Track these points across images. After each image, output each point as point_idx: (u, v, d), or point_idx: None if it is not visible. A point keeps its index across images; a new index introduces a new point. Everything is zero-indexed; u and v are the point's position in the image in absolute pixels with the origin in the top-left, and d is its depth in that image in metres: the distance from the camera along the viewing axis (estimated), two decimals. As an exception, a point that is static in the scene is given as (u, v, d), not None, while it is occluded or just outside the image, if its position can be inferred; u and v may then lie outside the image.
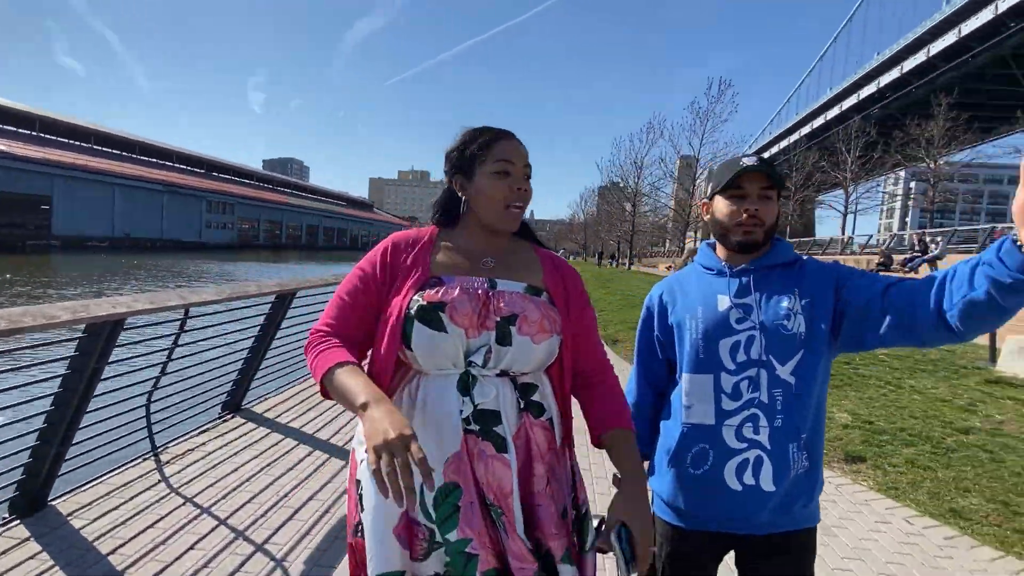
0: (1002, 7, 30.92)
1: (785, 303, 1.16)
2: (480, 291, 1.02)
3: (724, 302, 1.20)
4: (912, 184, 65.58)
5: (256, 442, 3.52)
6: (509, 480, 0.97)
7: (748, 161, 1.18)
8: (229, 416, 3.89)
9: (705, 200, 1.30)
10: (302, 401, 4.43)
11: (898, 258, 15.72)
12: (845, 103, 47.44)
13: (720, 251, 1.28)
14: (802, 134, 52.73)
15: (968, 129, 27.11)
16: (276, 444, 3.52)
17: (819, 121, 51.39)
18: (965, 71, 35.59)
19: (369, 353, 1.10)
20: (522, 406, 1.02)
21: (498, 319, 0.99)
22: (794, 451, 1.13)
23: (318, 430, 3.84)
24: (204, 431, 3.59)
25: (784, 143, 56.29)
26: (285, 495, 2.84)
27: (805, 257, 1.26)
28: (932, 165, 26.44)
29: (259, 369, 4.16)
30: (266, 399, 4.39)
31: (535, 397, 1.04)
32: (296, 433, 3.74)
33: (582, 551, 1.05)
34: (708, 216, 1.29)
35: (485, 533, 0.96)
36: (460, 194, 1.09)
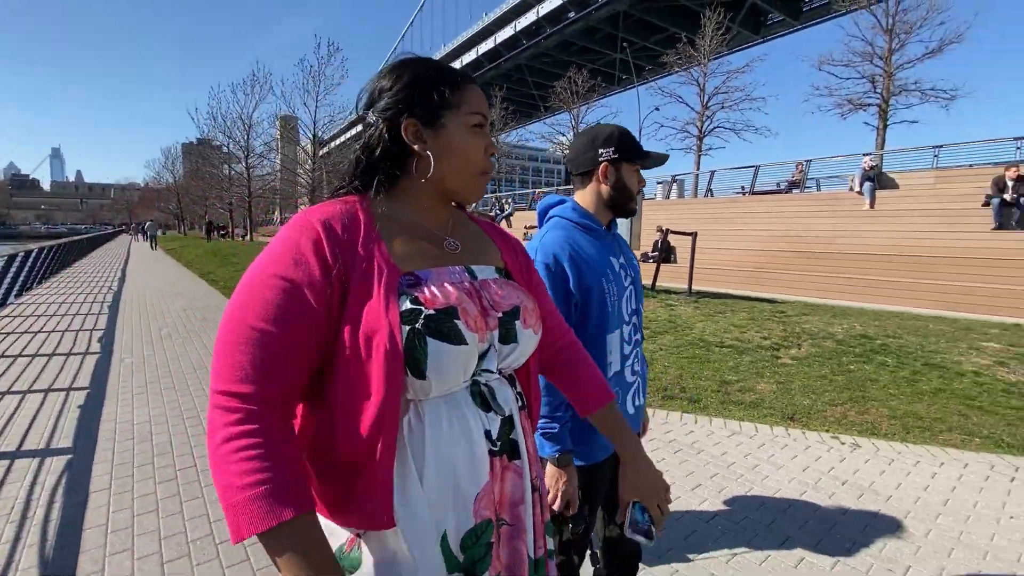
0: (520, 26, 42.14)
1: (634, 260, 1.46)
2: (467, 284, 0.81)
3: (616, 262, 1.36)
4: (493, 159, 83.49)
5: None
6: (521, 489, 0.84)
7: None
8: None
9: (607, 161, 1.31)
10: None
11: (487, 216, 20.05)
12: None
13: (594, 211, 1.35)
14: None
15: (515, 117, 36.54)
16: None
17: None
18: (502, 71, 47.15)
19: (326, 408, 0.74)
20: (520, 403, 0.88)
21: (500, 315, 0.81)
22: (644, 371, 1.46)
23: None
24: None
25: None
26: None
27: None
28: (496, 143, 34.44)
29: None
30: None
31: (519, 388, 0.91)
32: None
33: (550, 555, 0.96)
34: (609, 178, 1.32)
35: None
36: (414, 147, 0.79)
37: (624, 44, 28.86)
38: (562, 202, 1.39)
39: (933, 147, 13.17)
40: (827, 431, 3.48)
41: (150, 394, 4.19)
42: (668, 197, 17.85)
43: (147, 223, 33.48)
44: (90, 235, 25.39)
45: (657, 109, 22.43)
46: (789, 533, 2.34)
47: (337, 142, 28.81)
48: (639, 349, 1.40)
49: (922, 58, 15.61)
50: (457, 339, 0.73)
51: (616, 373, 1.31)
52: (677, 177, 17.79)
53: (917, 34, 15.45)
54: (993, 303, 8.49)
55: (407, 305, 0.72)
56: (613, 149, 1.30)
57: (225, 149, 25.78)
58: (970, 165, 12.42)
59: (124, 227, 67.90)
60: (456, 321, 0.74)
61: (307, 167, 26.33)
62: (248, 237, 28.67)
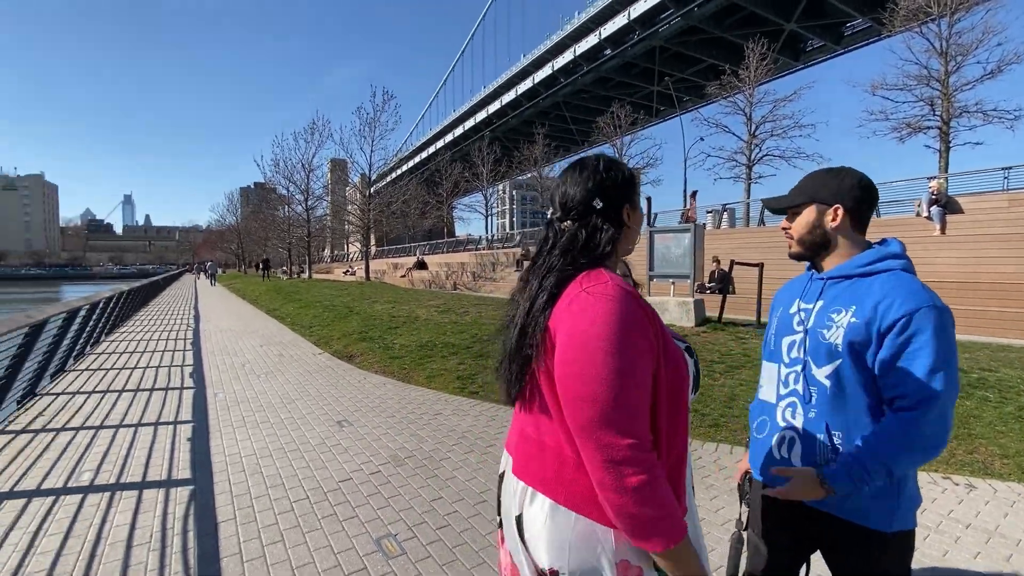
0: (557, 65, 43.47)
1: (834, 315, 1.25)
2: None
3: (795, 305, 1.37)
4: (514, 192, 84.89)
5: None
6: None
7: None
8: None
9: None
10: None
11: (533, 251, 20.33)
12: (467, 123, 57.24)
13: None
14: (442, 143, 60.57)
15: (556, 152, 37.41)
16: None
17: (449, 137, 60.28)
18: (540, 109, 48.47)
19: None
20: None
21: None
22: (822, 443, 1.24)
23: None
24: None
25: (428, 152, 63.53)
26: None
27: (889, 271, 1.25)
28: (539, 177, 35.30)
29: None
30: None
31: None
32: None
33: None
34: None
35: None
36: (628, 225, 1.07)
37: (666, 77, 29.25)
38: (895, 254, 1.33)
39: (1002, 168, 12.56)
40: (936, 471, 3.33)
41: (249, 428, 4.46)
42: (719, 226, 17.62)
43: (208, 263, 38.49)
44: (162, 275, 27.59)
45: (702, 139, 22.44)
46: (920, 579, 2.25)
47: (385, 181, 30.53)
48: (798, 403, 1.31)
49: (981, 79, 15.10)
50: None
51: (768, 403, 1.41)
52: (728, 206, 17.60)
53: (974, 56, 15.03)
54: (1092, 332, 7.87)
55: (681, 344, 1.07)
56: None
57: (285, 192, 27.89)
58: (1046, 185, 11.77)
59: (188, 267, 72.48)
60: None
61: (357, 205, 27.77)
62: (307, 275, 30.15)
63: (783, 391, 1.35)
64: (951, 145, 15.84)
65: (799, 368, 1.30)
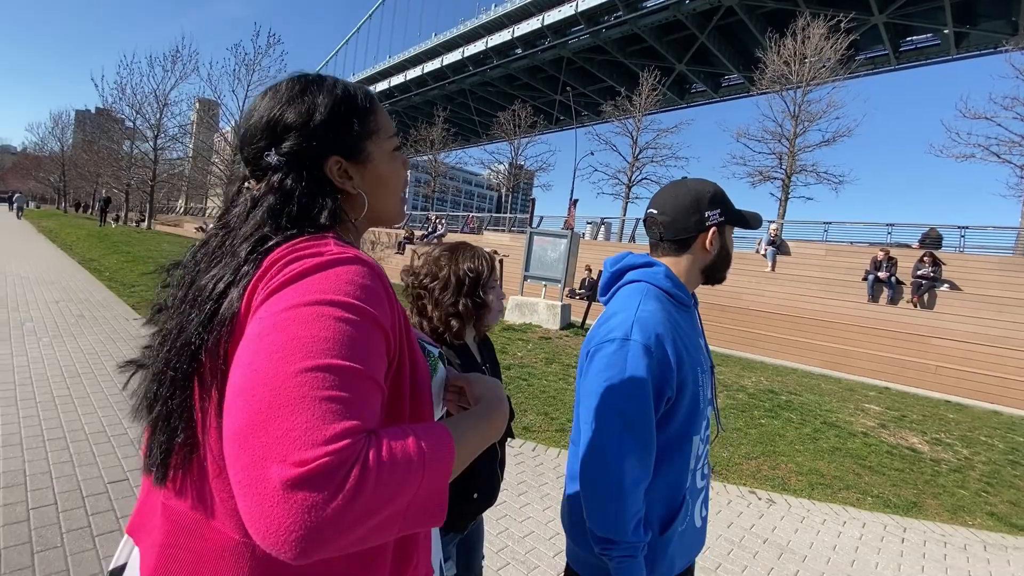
0: (468, 52, 42.83)
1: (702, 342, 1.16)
2: None
3: (702, 344, 1.15)
4: (408, 174, 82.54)
5: None
6: None
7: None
8: None
9: (715, 226, 1.11)
10: None
11: (418, 233, 19.61)
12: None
13: (686, 281, 1.14)
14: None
15: (455, 139, 36.50)
16: None
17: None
18: (446, 92, 47.38)
19: None
20: None
21: None
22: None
23: None
24: None
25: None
26: None
27: None
28: (433, 161, 34.16)
29: None
30: None
31: None
32: None
33: None
34: (715, 244, 1.12)
35: None
36: (344, 187, 0.70)
37: (568, 88, 30.30)
38: (649, 264, 1.13)
39: (824, 223, 14.92)
40: (744, 484, 3.63)
41: (1, 406, 3.47)
42: (596, 238, 18.57)
43: (15, 195, 32.76)
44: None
45: (592, 154, 23.60)
46: (721, 596, 2.34)
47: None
48: (706, 447, 1.13)
49: (820, 145, 18.00)
50: None
51: (690, 481, 1.08)
52: (606, 220, 18.65)
53: (817, 124, 17.82)
54: (864, 366, 9.61)
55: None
56: (720, 211, 1.11)
57: (131, 124, 23.19)
58: (851, 243, 14.21)
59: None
60: None
61: (225, 157, 24.45)
62: (148, 224, 25.71)
63: (700, 449, 1.10)
64: (789, 196, 18.57)
65: (709, 412, 1.14)
